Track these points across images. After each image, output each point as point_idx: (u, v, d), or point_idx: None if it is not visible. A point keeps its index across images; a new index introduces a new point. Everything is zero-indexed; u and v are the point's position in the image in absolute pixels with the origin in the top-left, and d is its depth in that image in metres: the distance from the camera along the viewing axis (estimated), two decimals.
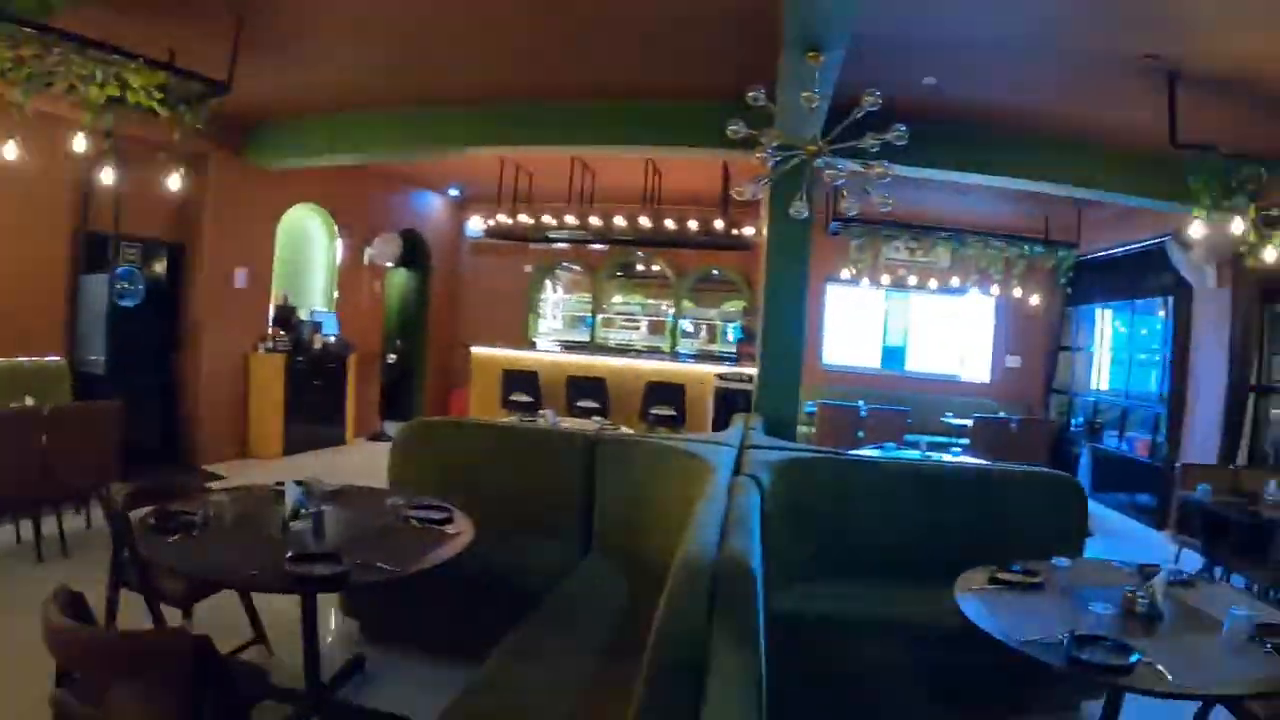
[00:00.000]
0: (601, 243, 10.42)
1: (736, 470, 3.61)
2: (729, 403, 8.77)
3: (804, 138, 4.47)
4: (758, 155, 4.30)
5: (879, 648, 2.99)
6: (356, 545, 2.76)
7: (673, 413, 8.69)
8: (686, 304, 11.39)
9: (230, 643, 3.50)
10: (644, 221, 9.34)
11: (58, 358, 6.44)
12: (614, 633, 2.76)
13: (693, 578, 1.97)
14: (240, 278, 7.86)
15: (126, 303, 6.86)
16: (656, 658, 1.79)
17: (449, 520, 3.16)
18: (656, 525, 3.49)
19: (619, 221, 9.57)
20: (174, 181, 5.79)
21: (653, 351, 10.75)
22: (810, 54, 3.76)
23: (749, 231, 9.29)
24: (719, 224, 9.25)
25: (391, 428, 10.09)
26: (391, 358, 9.77)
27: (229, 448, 7.91)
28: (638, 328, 12.00)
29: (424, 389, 11.25)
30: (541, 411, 6.85)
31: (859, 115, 3.88)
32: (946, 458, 6.03)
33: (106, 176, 5.73)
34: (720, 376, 8.98)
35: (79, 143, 5.10)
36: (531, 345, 11.48)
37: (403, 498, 3.39)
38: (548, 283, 12.25)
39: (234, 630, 3.53)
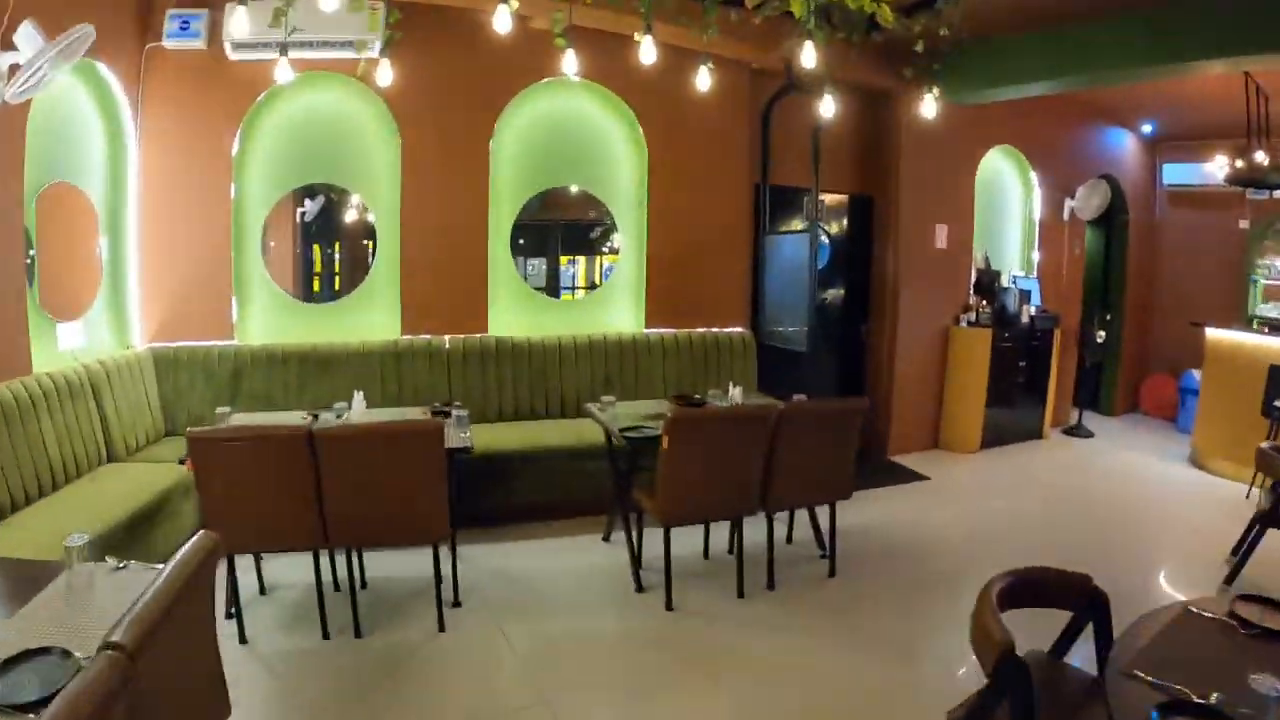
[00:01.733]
0: None
1: None
2: None
3: None
4: None
5: None
6: None
7: None
8: None
9: None
10: None
11: (741, 329, 5.92)
12: None
13: None
14: (941, 236, 6.65)
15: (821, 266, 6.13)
16: None
17: None
18: None
19: None
20: (929, 106, 4.63)
21: None
22: None
23: None
24: None
25: (1091, 421, 8.10)
26: (1100, 335, 7.76)
27: (920, 437, 6.81)
28: None
29: (1116, 373, 8.99)
30: None
31: None
32: None
33: (826, 110, 4.42)
34: None
35: (809, 55, 3.66)
36: (1248, 324, 8.53)
37: None
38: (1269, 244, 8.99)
39: None
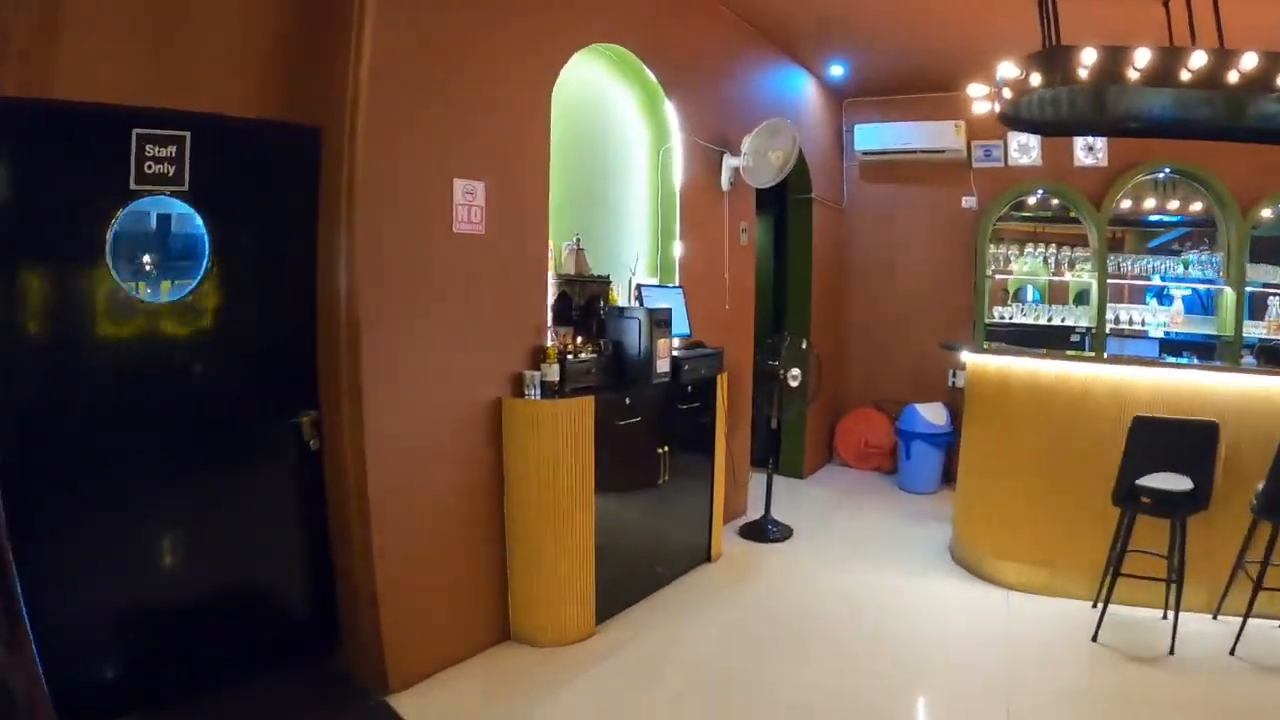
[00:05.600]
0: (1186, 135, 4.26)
1: None
2: None
3: None
4: None
5: None
6: None
7: None
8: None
9: None
10: None
11: None
12: None
13: None
14: (468, 205, 3.12)
15: (150, 294, 2.46)
16: None
17: None
18: None
19: None
20: None
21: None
22: None
23: None
24: None
25: (779, 495, 5.15)
26: (795, 376, 4.72)
27: (469, 628, 3.22)
28: (1169, 301, 6.39)
29: (804, 419, 6.17)
30: None
31: None
32: None
33: None
34: None
35: None
36: (986, 341, 6.32)
37: None
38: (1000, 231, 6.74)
39: None
